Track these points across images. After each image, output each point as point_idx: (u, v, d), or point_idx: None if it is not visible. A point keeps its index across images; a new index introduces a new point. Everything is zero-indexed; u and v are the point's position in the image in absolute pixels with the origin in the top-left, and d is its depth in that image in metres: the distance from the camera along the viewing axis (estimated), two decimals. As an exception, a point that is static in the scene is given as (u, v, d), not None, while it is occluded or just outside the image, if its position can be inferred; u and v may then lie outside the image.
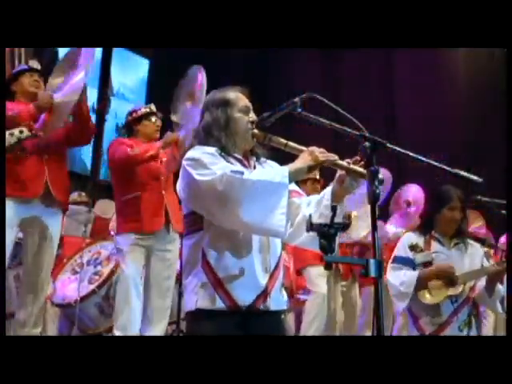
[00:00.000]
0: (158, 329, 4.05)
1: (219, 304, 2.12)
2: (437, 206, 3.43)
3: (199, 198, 2.13)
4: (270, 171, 2.21)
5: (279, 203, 2.05)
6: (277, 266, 2.23)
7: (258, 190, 2.05)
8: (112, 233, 4.63)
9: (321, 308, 5.02)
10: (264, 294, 2.15)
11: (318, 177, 5.11)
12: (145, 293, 4.08)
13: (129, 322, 3.91)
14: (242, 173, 2.10)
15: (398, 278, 3.34)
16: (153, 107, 4.28)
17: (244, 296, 2.13)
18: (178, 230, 4.09)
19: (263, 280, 2.16)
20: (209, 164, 2.11)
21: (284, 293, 2.29)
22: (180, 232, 4.11)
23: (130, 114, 4.29)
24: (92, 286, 4.57)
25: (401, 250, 3.44)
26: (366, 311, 5.46)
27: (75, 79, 3.43)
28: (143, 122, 4.20)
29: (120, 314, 3.95)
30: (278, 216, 2.04)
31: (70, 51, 3.69)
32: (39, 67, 3.79)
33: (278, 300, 2.22)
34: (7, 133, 2.70)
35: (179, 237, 4.10)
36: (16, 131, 2.71)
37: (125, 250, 4.00)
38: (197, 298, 2.15)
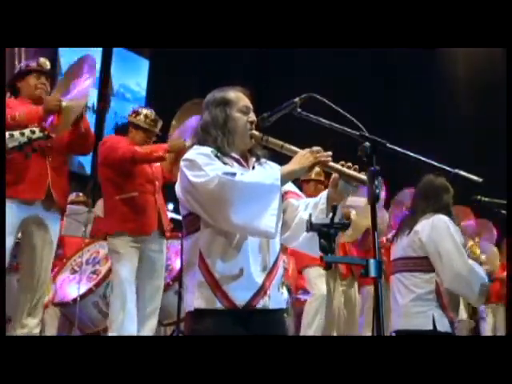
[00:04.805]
0: (147, 328, 4.03)
1: (217, 304, 2.12)
2: (443, 195, 3.44)
3: (194, 199, 2.14)
4: (262, 173, 2.23)
5: (270, 205, 2.06)
6: (275, 265, 2.23)
7: (248, 192, 2.07)
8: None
9: (319, 309, 5.00)
10: (261, 292, 2.15)
11: (322, 178, 5.10)
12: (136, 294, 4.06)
13: (124, 324, 3.90)
14: (235, 174, 2.11)
15: (480, 271, 3.29)
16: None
17: (240, 295, 2.13)
18: (166, 234, 4.16)
19: (260, 279, 2.16)
20: (203, 165, 2.12)
21: (284, 291, 2.29)
22: (166, 236, 4.20)
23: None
24: (90, 285, 4.58)
25: (458, 236, 3.33)
26: (366, 311, 5.44)
27: (83, 84, 3.44)
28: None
29: (116, 316, 3.93)
30: (267, 217, 2.05)
31: (72, 65, 3.68)
32: (49, 67, 3.74)
33: (276, 298, 2.21)
34: (17, 132, 2.70)
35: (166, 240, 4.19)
36: (27, 131, 2.70)
37: (121, 252, 3.99)
38: (194, 297, 2.16)
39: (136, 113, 4.28)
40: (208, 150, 2.21)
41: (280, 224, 2.18)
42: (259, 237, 2.16)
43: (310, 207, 2.23)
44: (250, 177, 2.15)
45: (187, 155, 2.21)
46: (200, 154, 2.19)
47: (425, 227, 3.30)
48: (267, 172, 2.24)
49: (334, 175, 2.18)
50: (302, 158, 2.16)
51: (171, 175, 4.10)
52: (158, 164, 4.22)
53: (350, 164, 2.13)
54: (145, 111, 4.29)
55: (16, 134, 2.69)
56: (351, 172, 2.11)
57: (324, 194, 2.23)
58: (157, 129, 4.25)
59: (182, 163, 2.20)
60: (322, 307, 5.01)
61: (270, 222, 2.05)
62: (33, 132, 2.71)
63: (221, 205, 2.06)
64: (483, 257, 5.54)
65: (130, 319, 3.93)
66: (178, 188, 2.24)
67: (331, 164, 2.15)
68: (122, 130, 4.37)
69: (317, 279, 5.04)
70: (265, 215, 2.05)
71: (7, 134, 2.70)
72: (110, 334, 3.94)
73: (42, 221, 3.56)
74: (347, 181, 2.14)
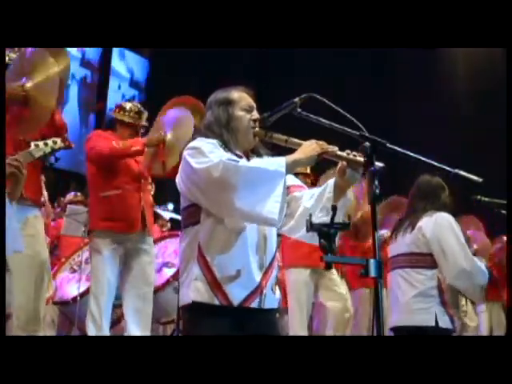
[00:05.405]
0: (142, 329, 3.98)
1: (213, 300, 2.13)
2: (441, 194, 3.49)
3: (196, 187, 2.14)
4: (267, 160, 2.23)
5: (273, 191, 2.04)
6: (270, 264, 2.23)
7: (252, 177, 2.06)
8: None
9: (301, 317, 4.93)
10: (257, 291, 2.16)
11: (308, 171, 5.07)
12: (123, 294, 4.04)
13: (99, 324, 3.88)
14: (238, 161, 2.11)
15: (482, 267, 3.35)
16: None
17: (236, 293, 2.14)
18: (151, 234, 4.11)
19: (258, 277, 2.16)
20: (207, 152, 2.13)
21: (277, 291, 2.29)
22: (153, 236, 4.16)
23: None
24: (88, 284, 4.58)
25: (461, 233, 3.38)
26: (359, 314, 5.37)
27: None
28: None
29: (91, 316, 3.89)
30: (271, 203, 2.03)
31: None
32: None
33: (270, 298, 2.22)
34: (41, 142, 2.79)
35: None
36: (50, 142, 2.83)
37: (103, 254, 3.94)
38: (191, 291, 2.15)
39: (120, 108, 4.23)
40: (213, 140, 2.22)
41: (283, 215, 2.17)
42: (261, 224, 2.15)
43: (314, 197, 2.22)
44: (255, 163, 2.16)
45: (192, 143, 2.21)
46: (206, 142, 2.19)
47: (428, 224, 3.35)
48: (272, 159, 2.23)
49: (341, 163, 2.18)
50: (307, 148, 2.16)
51: (150, 171, 4.06)
52: None
53: (355, 153, 2.13)
54: (129, 105, 4.26)
55: (41, 144, 2.85)
56: (358, 159, 2.11)
57: (330, 183, 2.22)
58: (142, 121, 4.19)
59: (185, 152, 2.19)
60: (302, 316, 4.93)
61: (274, 208, 2.03)
62: (55, 143, 2.87)
63: (224, 189, 2.05)
64: (475, 246, 5.54)
65: (104, 320, 3.90)
66: (178, 179, 2.23)
67: (339, 153, 2.16)
68: (110, 125, 4.31)
69: (296, 285, 4.90)
70: (268, 201, 2.03)
71: (32, 144, 2.79)
72: (88, 328, 3.89)
73: (15, 217, 3.40)
74: (355, 168, 2.15)
